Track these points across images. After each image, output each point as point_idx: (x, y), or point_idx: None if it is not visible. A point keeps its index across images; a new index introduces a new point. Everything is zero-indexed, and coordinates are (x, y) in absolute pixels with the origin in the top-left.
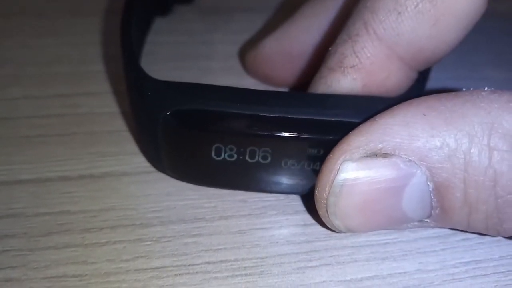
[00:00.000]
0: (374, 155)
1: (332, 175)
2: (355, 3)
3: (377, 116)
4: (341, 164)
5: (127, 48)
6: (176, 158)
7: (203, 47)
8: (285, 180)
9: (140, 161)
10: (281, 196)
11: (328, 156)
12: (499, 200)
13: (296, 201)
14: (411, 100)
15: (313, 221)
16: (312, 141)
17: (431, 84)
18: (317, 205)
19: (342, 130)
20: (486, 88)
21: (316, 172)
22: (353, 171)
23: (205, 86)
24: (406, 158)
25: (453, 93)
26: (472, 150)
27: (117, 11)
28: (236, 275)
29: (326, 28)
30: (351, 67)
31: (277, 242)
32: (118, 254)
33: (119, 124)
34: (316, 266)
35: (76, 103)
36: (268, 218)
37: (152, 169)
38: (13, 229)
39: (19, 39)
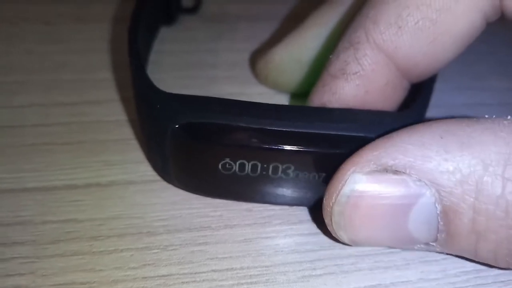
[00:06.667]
0: (385, 170)
1: (340, 185)
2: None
3: (395, 132)
4: (350, 175)
5: (135, 59)
6: (184, 170)
7: (208, 55)
8: (292, 193)
9: (147, 170)
10: (286, 206)
11: (340, 167)
12: (510, 231)
13: (300, 211)
14: (431, 121)
15: (318, 230)
16: (319, 155)
17: (434, 95)
18: (323, 212)
19: (349, 144)
20: (509, 117)
21: (322, 186)
22: (361, 184)
23: (213, 100)
24: (416, 177)
25: (475, 119)
26: (485, 179)
27: (123, 18)
28: (242, 283)
29: (335, 36)
30: (353, 74)
31: (282, 251)
32: (126, 262)
33: (126, 133)
34: (320, 274)
35: (82, 111)
36: (273, 227)
37: (158, 177)
38: (21, 236)
39: (25, 46)
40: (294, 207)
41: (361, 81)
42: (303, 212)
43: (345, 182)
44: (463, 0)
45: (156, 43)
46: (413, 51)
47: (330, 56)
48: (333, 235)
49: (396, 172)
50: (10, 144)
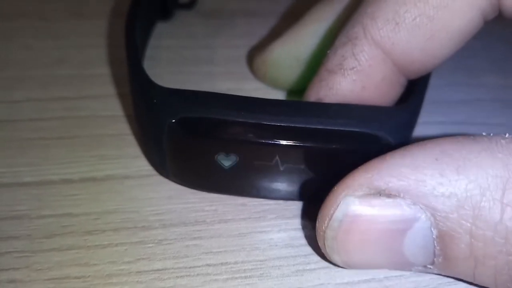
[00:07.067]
0: (378, 194)
1: (332, 208)
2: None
3: (388, 153)
4: (342, 198)
5: (132, 55)
6: (180, 165)
7: (204, 51)
8: (287, 187)
9: (142, 165)
10: (280, 201)
11: (333, 189)
12: (510, 257)
13: (294, 205)
14: (426, 141)
15: (312, 225)
16: (316, 150)
17: (430, 90)
18: (316, 235)
19: (345, 139)
20: (507, 135)
21: (318, 180)
22: (354, 207)
23: (210, 94)
24: (411, 201)
25: (471, 137)
26: (482, 204)
27: (119, 13)
28: (236, 278)
29: (333, 32)
30: (351, 69)
31: (276, 245)
32: (120, 256)
33: (122, 127)
34: (314, 269)
35: (78, 106)
36: (268, 222)
37: (154, 172)
38: (16, 230)
39: (22, 41)
40: (289, 202)
41: (358, 76)
42: (297, 207)
43: (337, 206)
44: None
45: (153, 39)
46: (410, 47)
47: (328, 52)
48: (327, 257)
49: (390, 195)
50: (7, 138)
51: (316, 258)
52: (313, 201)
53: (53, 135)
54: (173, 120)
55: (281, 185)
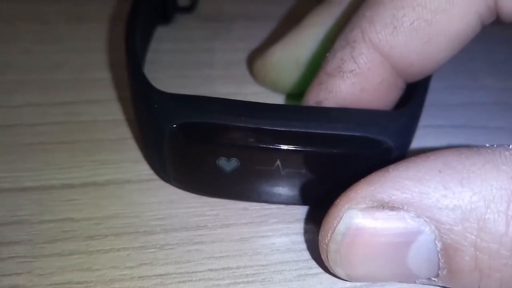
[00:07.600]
0: (382, 207)
1: (335, 221)
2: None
3: (391, 166)
4: (345, 211)
5: (132, 59)
6: (182, 170)
7: (204, 55)
8: (288, 192)
9: (143, 169)
10: (282, 205)
11: (335, 202)
12: None
13: (296, 210)
14: (429, 153)
15: (314, 229)
16: (316, 154)
17: (430, 93)
18: (319, 248)
19: (345, 143)
20: (511, 146)
21: (318, 185)
22: (357, 220)
23: (211, 99)
24: (414, 214)
25: (475, 149)
26: (487, 216)
27: (119, 17)
28: (238, 283)
29: (333, 36)
30: (349, 72)
31: (278, 250)
32: (123, 261)
33: (122, 132)
34: (316, 273)
35: (79, 110)
36: (269, 226)
37: (155, 176)
38: (18, 236)
39: (22, 45)
40: (290, 206)
41: (357, 79)
42: (299, 211)
43: (340, 219)
44: (458, 2)
45: (153, 42)
46: (408, 50)
47: (327, 55)
48: (330, 270)
49: (393, 208)
50: (7, 143)
51: (318, 262)
52: (315, 206)
53: (53, 140)
54: (174, 125)
55: (283, 190)
